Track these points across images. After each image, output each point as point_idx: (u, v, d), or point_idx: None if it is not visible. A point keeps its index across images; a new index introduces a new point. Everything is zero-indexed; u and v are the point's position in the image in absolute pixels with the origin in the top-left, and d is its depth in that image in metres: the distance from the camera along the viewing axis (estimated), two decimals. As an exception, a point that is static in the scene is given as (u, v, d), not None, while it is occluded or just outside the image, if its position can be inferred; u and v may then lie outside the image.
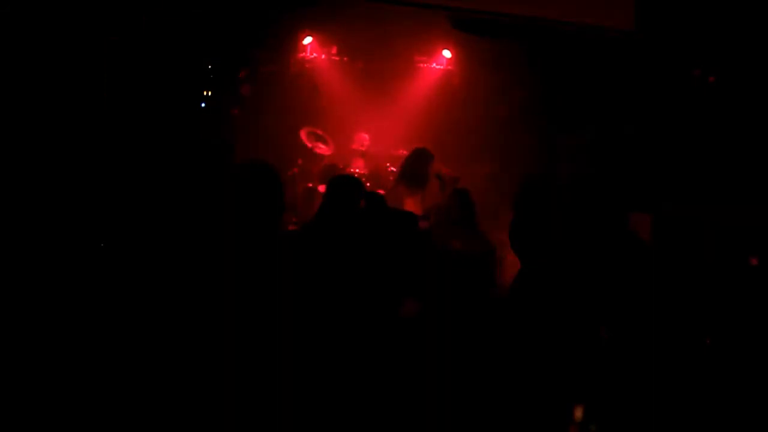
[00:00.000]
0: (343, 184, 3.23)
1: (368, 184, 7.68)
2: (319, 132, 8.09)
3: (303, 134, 8.01)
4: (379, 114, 8.66)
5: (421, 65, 8.97)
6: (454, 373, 2.54)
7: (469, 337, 2.64)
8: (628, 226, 2.69)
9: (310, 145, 7.99)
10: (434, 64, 8.97)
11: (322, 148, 8.06)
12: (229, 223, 2.68)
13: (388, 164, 8.06)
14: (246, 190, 2.70)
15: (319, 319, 2.60)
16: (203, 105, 6.63)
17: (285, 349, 2.51)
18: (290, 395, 2.47)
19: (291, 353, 2.51)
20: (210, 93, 6.72)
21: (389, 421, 2.48)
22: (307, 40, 8.65)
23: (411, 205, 5.67)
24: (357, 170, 7.85)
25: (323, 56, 8.78)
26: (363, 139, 8.13)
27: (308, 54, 8.72)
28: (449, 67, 8.95)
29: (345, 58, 8.80)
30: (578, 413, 2.38)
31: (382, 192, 7.11)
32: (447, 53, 8.86)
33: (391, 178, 7.99)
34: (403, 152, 8.13)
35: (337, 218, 3.11)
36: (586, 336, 2.48)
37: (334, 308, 2.61)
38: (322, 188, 6.70)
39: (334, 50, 8.76)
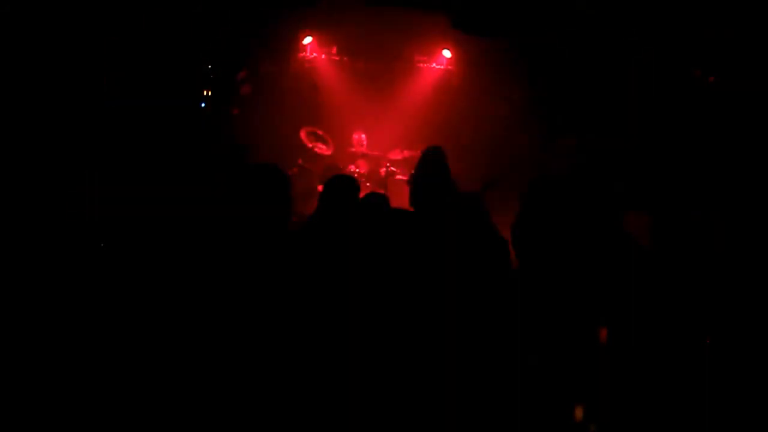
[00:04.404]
0: (339, 184, 3.22)
1: (368, 184, 7.69)
2: (319, 132, 8.10)
3: (303, 134, 8.02)
4: (379, 114, 8.67)
5: (421, 65, 8.97)
6: (455, 372, 2.54)
7: (469, 336, 2.65)
8: (622, 226, 2.70)
9: (310, 145, 8.00)
10: (434, 64, 8.97)
11: (322, 148, 8.06)
12: (239, 223, 2.71)
13: (388, 164, 8.07)
14: (256, 192, 2.74)
15: (319, 318, 2.60)
16: (203, 105, 6.63)
17: (289, 346, 2.52)
18: (294, 392, 2.48)
19: (295, 351, 2.52)
20: (210, 93, 6.72)
21: (390, 420, 2.49)
22: (307, 40, 8.65)
23: None
24: (357, 170, 7.86)
25: (323, 56, 8.78)
26: (361, 140, 8.14)
27: (308, 54, 8.73)
28: (449, 67, 8.95)
29: (345, 58, 8.81)
30: (578, 413, 2.38)
31: (381, 191, 7.12)
32: (447, 53, 8.86)
33: (390, 178, 8.01)
34: (405, 152, 8.15)
35: (333, 218, 3.10)
36: (583, 335, 2.48)
37: (333, 308, 2.62)
38: (321, 188, 6.71)
39: (334, 50, 8.77)
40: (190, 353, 2.54)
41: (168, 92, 5.47)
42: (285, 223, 2.88)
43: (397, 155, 8.14)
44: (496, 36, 7.68)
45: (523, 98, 8.39)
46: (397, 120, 8.71)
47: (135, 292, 3.05)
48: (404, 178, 7.95)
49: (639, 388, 2.44)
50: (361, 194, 3.30)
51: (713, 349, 2.56)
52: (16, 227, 3.83)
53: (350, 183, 3.26)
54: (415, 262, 2.81)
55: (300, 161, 7.97)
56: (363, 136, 8.18)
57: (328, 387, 2.52)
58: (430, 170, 5.08)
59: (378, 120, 8.63)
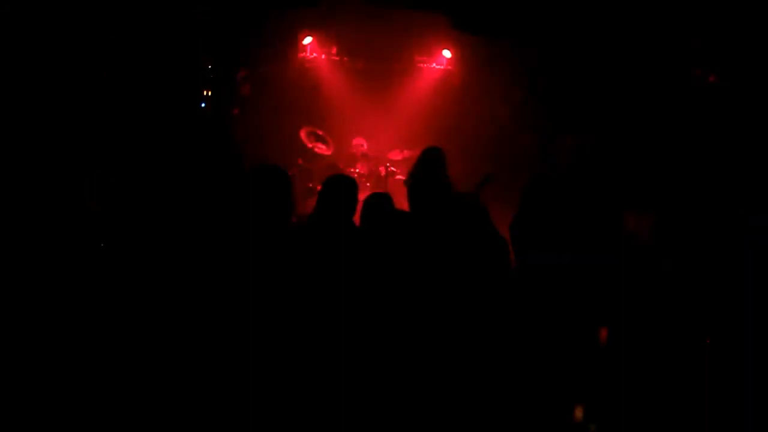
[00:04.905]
0: (337, 185, 3.21)
1: (368, 184, 7.69)
2: (319, 132, 8.10)
3: (303, 134, 8.02)
4: (379, 114, 8.66)
5: (421, 65, 8.97)
6: (455, 371, 2.54)
7: (469, 336, 2.65)
8: (624, 225, 2.70)
9: (310, 145, 8.00)
10: (434, 64, 8.97)
11: (322, 148, 8.06)
12: (240, 223, 2.71)
13: (388, 164, 8.07)
14: (260, 192, 2.74)
15: (320, 317, 2.60)
16: (203, 105, 6.63)
17: (290, 345, 2.52)
18: (294, 390, 2.49)
19: (295, 349, 2.53)
20: (210, 93, 6.72)
21: (389, 419, 2.49)
22: (307, 40, 8.66)
23: None
24: (357, 170, 7.85)
25: (323, 56, 8.78)
26: (360, 144, 8.14)
27: (308, 54, 8.73)
28: (449, 67, 8.95)
29: (345, 58, 8.81)
30: (578, 413, 2.38)
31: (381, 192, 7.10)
32: (447, 53, 8.87)
33: (391, 178, 8.01)
34: (405, 152, 8.15)
35: (332, 218, 3.09)
36: (583, 335, 2.48)
37: (333, 307, 2.61)
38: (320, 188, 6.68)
39: (334, 50, 8.77)
40: (191, 352, 2.54)
41: (168, 92, 5.46)
42: (286, 223, 2.88)
43: (397, 155, 8.14)
44: (496, 36, 7.68)
45: (523, 98, 8.39)
46: (397, 120, 8.71)
47: (136, 291, 3.05)
48: (404, 178, 7.94)
49: (639, 388, 2.44)
50: (361, 194, 3.29)
51: (713, 349, 2.56)
52: (15, 227, 3.83)
53: (348, 182, 3.25)
54: (414, 262, 2.81)
55: (300, 161, 7.97)
56: (362, 140, 8.18)
57: (328, 386, 2.52)
58: (428, 170, 5.10)
59: (378, 120, 8.63)
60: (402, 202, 6.22)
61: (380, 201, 3.35)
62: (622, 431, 2.44)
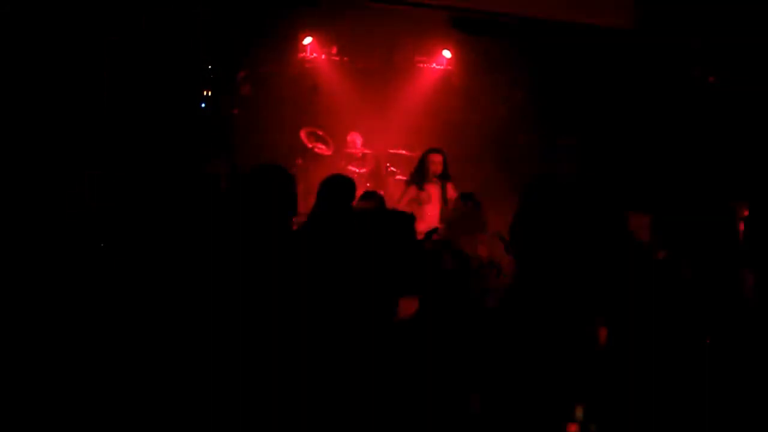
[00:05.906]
0: (335, 184, 3.21)
1: (368, 184, 7.68)
2: (319, 132, 8.09)
3: (303, 134, 8.01)
4: (379, 114, 8.65)
5: (421, 65, 8.97)
6: (452, 373, 2.54)
7: (469, 339, 2.65)
8: (627, 226, 2.70)
9: (310, 145, 8.00)
10: (434, 64, 8.97)
11: (322, 148, 8.06)
12: (242, 222, 2.71)
13: (388, 164, 8.06)
14: (263, 192, 2.74)
15: (315, 319, 2.60)
16: (203, 105, 6.64)
17: (290, 344, 2.53)
18: (294, 390, 2.49)
19: (295, 349, 2.53)
20: (210, 93, 6.73)
21: (387, 417, 2.49)
22: (307, 40, 8.65)
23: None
24: (357, 170, 7.85)
25: (323, 56, 8.77)
26: (354, 141, 8.13)
27: (308, 54, 8.72)
28: (449, 67, 8.95)
29: (345, 58, 8.79)
30: (578, 413, 2.38)
31: (380, 192, 7.11)
32: (447, 53, 8.86)
33: (391, 178, 8.01)
34: (405, 152, 8.15)
35: (328, 218, 3.09)
36: (584, 337, 2.48)
37: (328, 308, 2.61)
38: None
39: (334, 50, 8.76)
40: (192, 351, 2.55)
41: (168, 92, 5.47)
42: (289, 223, 2.88)
43: (397, 156, 8.13)
44: (496, 36, 7.69)
45: (523, 98, 8.40)
46: (397, 120, 8.70)
47: (137, 290, 3.06)
48: (404, 178, 7.93)
49: (639, 389, 2.44)
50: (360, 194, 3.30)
51: (713, 350, 2.56)
52: (16, 227, 3.83)
53: (346, 182, 3.25)
54: (413, 262, 2.82)
55: (300, 161, 7.97)
56: (358, 140, 8.16)
57: (327, 387, 2.53)
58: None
59: (378, 120, 8.62)
60: (402, 202, 6.22)
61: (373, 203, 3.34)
62: (622, 431, 2.44)
